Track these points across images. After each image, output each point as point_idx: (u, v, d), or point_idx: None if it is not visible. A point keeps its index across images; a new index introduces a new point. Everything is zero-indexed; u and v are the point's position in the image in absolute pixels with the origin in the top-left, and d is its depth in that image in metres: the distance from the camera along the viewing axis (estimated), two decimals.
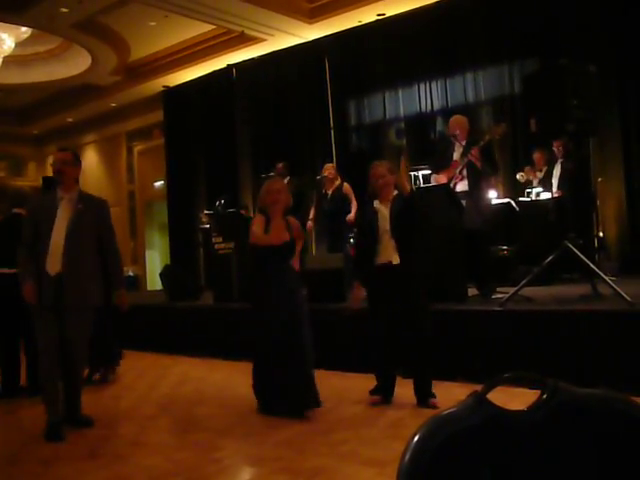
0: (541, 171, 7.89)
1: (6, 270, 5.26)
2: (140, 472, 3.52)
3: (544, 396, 1.01)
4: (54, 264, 4.25)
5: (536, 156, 7.89)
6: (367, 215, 4.80)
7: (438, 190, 6.01)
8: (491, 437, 0.97)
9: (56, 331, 4.26)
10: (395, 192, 4.68)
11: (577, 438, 0.98)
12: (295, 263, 4.73)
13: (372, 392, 4.76)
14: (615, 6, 7.77)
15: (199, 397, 5.36)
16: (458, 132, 6.23)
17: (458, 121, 6.36)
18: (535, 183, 7.86)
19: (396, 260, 4.55)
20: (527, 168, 7.95)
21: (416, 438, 0.96)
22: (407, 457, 0.95)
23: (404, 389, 4.66)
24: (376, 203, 4.72)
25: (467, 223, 5.94)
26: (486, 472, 0.95)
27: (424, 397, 4.52)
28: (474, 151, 5.98)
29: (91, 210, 4.45)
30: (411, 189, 4.74)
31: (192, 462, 3.63)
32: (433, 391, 4.54)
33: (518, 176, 7.97)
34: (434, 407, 4.41)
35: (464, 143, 6.19)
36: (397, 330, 4.65)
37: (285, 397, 4.51)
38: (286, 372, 4.49)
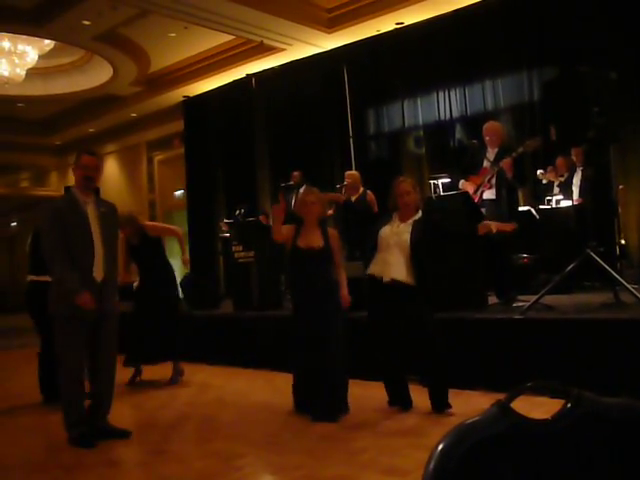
0: (562, 176, 7.84)
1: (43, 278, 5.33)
2: None
3: (568, 405, 1.01)
4: (99, 270, 4.28)
5: (559, 161, 7.85)
6: (380, 223, 4.82)
7: (458, 198, 6.00)
8: (515, 446, 0.97)
9: (84, 340, 4.28)
10: (419, 214, 4.67)
11: (601, 447, 0.98)
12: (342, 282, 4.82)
13: (389, 403, 4.81)
14: (636, 12, 7.71)
15: (220, 405, 5.38)
16: (490, 138, 6.19)
17: (492, 127, 6.33)
18: (555, 186, 7.83)
19: (387, 277, 4.57)
20: (550, 168, 7.89)
21: (440, 447, 0.97)
22: (431, 466, 0.95)
23: (423, 397, 4.65)
24: (395, 216, 4.74)
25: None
26: None
27: (439, 407, 4.52)
28: (507, 162, 5.93)
29: (112, 214, 4.51)
30: (424, 212, 4.75)
31: (213, 470, 3.65)
32: (449, 401, 4.52)
33: (539, 173, 7.91)
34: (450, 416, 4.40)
35: (496, 150, 6.16)
36: (403, 338, 4.67)
37: (317, 400, 4.61)
38: (317, 376, 4.62)
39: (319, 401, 4.61)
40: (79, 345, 4.24)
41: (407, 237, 4.57)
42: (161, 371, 6.45)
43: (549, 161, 7.96)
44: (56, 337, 4.28)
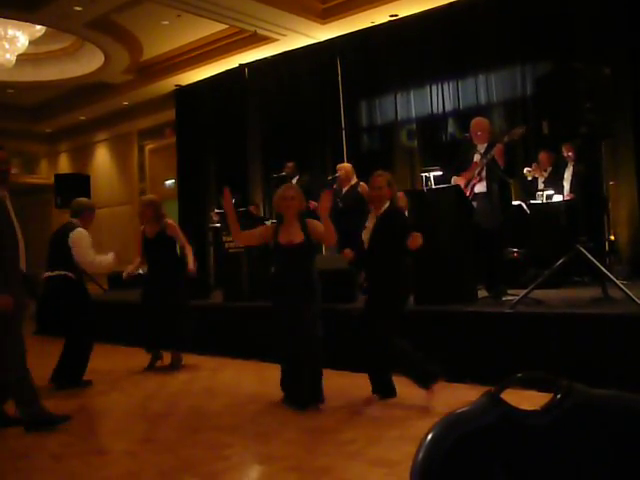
0: (546, 171, 7.90)
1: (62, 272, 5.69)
2: (149, 468, 3.53)
3: (558, 396, 1.01)
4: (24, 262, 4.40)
5: (542, 156, 7.92)
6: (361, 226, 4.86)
7: (449, 191, 6.01)
8: (505, 436, 0.97)
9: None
10: (386, 205, 4.67)
11: (591, 439, 0.98)
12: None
13: (373, 391, 4.87)
14: (631, 8, 7.73)
15: (208, 395, 5.38)
16: (479, 133, 6.22)
17: (480, 123, 6.36)
18: (540, 182, 7.88)
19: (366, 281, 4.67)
20: (534, 165, 7.97)
21: (430, 436, 0.97)
22: (420, 455, 0.95)
23: (410, 389, 4.67)
24: (369, 217, 4.77)
25: (482, 224, 5.94)
26: (499, 471, 0.95)
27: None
28: (499, 148, 5.94)
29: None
30: (393, 205, 4.72)
31: (201, 459, 3.65)
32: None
33: (525, 170, 7.99)
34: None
35: (485, 145, 6.19)
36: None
37: (292, 391, 4.73)
38: (292, 367, 4.73)
39: (300, 388, 4.68)
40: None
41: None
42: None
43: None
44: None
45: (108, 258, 5.87)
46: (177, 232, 6.50)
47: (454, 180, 6.27)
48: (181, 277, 6.53)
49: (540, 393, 1.16)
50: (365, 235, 4.72)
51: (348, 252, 4.91)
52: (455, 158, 6.70)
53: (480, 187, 6.13)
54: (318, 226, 4.78)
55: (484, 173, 6.09)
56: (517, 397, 1.25)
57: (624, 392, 1.05)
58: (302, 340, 4.64)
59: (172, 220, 6.63)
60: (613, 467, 0.98)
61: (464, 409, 1.00)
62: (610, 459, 0.97)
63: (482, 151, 6.18)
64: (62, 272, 5.69)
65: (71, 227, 5.78)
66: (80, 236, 5.71)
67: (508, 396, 1.03)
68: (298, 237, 4.71)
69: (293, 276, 4.71)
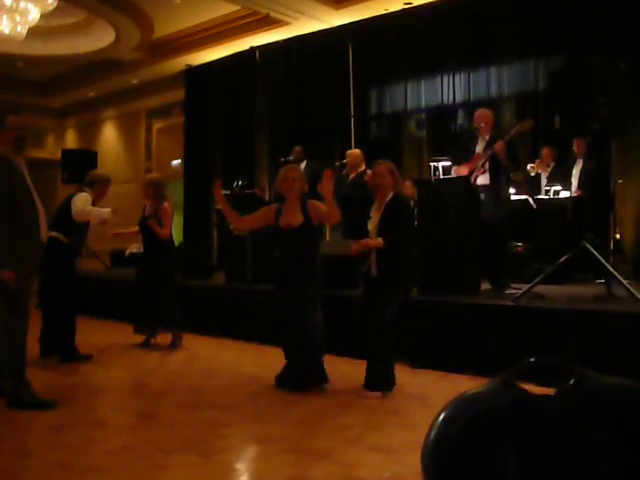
0: (549, 166, 7.88)
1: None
2: (148, 444, 3.55)
3: (571, 382, 1.01)
4: (44, 232, 4.33)
5: (544, 151, 7.91)
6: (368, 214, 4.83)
7: (457, 182, 5.99)
8: (516, 419, 0.97)
9: None
10: (391, 195, 4.63)
11: (602, 425, 0.98)
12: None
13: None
14: None
15: (208, 374, 5.39)
16: (483, 125, 6.21)
17: (484, 114, 6.35)
18: (543, 177, 7.86)
19: (374, 271, 4.61)
20: (537, 161, 7.96)
21: (442, 417, 0.97)
22: (432, 435, 0.95)
23: (410, 378, 4.68)
24: (374, 206, 4.74)
25: (486, 217, 5.92)
26: (510, 453, 0.95)
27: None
28: (499, 145, 5.94)
29: None
30: (398, 194, 4.67)
31: (199, 437, 3.66)
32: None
33: (528, 166, 8.00)
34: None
35: (488, 137, 6.18)
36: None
37: (290, 374, 4.77)
38: (292, 351, 4.76)
39: (301, 369, 4.72)
40: None
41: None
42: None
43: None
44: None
45: (103, 210, 5.85)
46: (165, 215, 6.50)
47: (455, 170, 6.25)
48: (168, 259, 6.57)
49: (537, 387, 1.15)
50: (371, 225, 4.68)
51: (356, 249, 4.76)
52: (457, 148, 6.69)
53: (483, 179, 6.11)
54: (320, 207, 4.78)
55: (487, 165, 6.08)
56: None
57: (635, 381, 1.05)
58: (299, 324, 4.66)
59: (168, 204, 6.59)
60: (623, 453, 0.97)
61: (477, 390, 1.00)
62: (621, 445, 0.97)
63: (485, 142, 6.17)
64: (54, 234, 5.50)
65: (79, 192, 5.78)
66: (81, 196, 5.70)
67: None
68: (297, 219, 4.71)
69: (292, 259, 4.72)
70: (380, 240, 4.51)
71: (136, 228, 6.64)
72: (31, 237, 4.15)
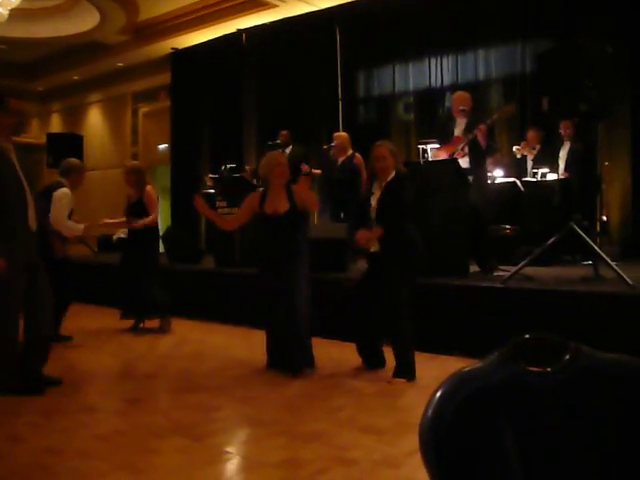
0: (534, 149, 7.91)
1: None
2: (139, 428, 3.55)
3: (567, 357, 1.01)
4: (33, 220, 4.25)
5: (530, 134, 7.93)
6: (365, 195, 4.82)
7: (446, 165, 5.99)
8: (513, 395, 0.98)
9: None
10: (392, 174, 4.61)
11: (598, 401, 0.98)
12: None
13: (364, 363, 4.87)
14: None
15: (197, 359, 5.39)
16: (461, 108, 6.20)
17: (462, 97, 6.35)
18: (529, 160, 7.89)
19: (375, 247, 4.59)
20: (523, 143, 7.98)
21: (439, 393, 0.97)
22: (430, 412, 0.96)
23: None
24: (375, 184, 4.73)
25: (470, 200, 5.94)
26: (508, 429, 0.95)
27: (394, 373, 4.50)
28: (483, 128, 5.94)
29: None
30: (399, 173, 4.64)
31: (190, 421, 3.67)
32: (406, 372, 4.46)
33: (514, 149, 8.02)
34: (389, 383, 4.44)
35: (467, 120, 6.17)
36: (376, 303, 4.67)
37: (280, 357, 4.81)
38: (280, 335, 4.79)
39: (285, 355, 4.75)
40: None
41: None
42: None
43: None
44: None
45: (78, 226, 5.82)
46: (150, 200, 6.47)
47: (433, 153, 6.25)
48: (153, 244, 6.57)
49: None
50: (373, 201, 4.62)
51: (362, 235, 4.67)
52: (434, 130, 6.69)
53: (462, 163, 6.12)
54: (304, 193, 4.84)
55: (467, 149, 6.09)
56: None
57: (631, 356, 1.05)
58: (286, 308, 4.67)
59: (150, 187, 6.57)
60: (619, 429, 0.98)
61: (474, 367, 1.00)
62: (616, 421, 0.98)
63: (463, 126, 6.17)
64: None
65: (57, 186, 5.72)
66: (61, 195, 5.63)
67: None
68: (284, 206, 4.72)
69: (279, 245, 4.73)
70: (379, 230, 4.51)
71: (124, 218, 6.61)
72: (21, 225, 4.11)
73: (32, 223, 4.21)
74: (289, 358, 4.75)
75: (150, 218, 6.39)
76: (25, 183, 4.17)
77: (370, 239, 4.60)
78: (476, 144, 6.02)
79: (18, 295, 4.13)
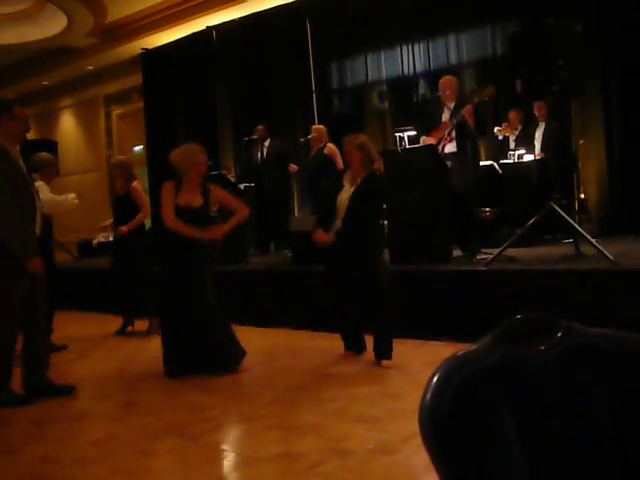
0: (517, 129, 7.95)
1: None
2: (132, 432, 3.54)
3: (559, 335, 1.03)
4: (38, 227, 4.26)
5: (511, 115, 7.96)
6: (335, 187, 4.83)
7: (424, 151, 6.01)
8: (509, 376, 0.99)
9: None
10: (364, 175, 4.61)
11: (594, 375, 1.00)
12: (218, 230, 4.88)
13: (345, 348, 4.91)
14: None
15: None
16: (448, 92, 6.21)
17: (448, 82, 6.34)
18: (512, 140, 7.93)
19: (338, 225, 4.63)
20: (505, 124, 8.01)
21: (436, 378, 0.98)
22: (428, 397, 0.96)
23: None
24: (346, 178, 4.74)
25: (454, 185, 5.96)
26: (505, 410, 0.97)
27: (378, 356, 4.58)
28: (468, 108, 5.94)
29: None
30: (371, 174, 4.65)
31: (184, 421, 3.66)
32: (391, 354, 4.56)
33: (495, 130, 8.05)
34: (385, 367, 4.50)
35: (453, 104, 6.18)
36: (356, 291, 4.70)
37: (206, 360, 4.71)
38: (178, 336, 4.71)
39: (213, 354, 4.71)
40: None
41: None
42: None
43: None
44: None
45: (70, 197, 5.74)
46: (138, 195, 6.42)
47: (423, 140, 6.27)
48: (140, 243, 6.48)
49: None
50: (344, 194, 4.64)
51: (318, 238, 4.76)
52: (423, 117, 6.69)
53: (450, 147, 6.14)
54: (222, 196, 4.94)
55: (454, 133, 6.10)
56: None
57: (620, 330, 1.07)
58: (192, 309, 4.64)
59: (137, 182, 6.50)
60: (613, 405, 1.00)
61: (468, 350, 1.01)
62: (611, 395, 1.00)
63: (450, 110, 6.18)
64: None
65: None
66: (41, 185, 5.40)
67: None
68: (197, 201, 4.73)
69: (185, 241, 4.64)
70: (332, 236, 4.60)
71: (110, 220, 6.54)
72: (31, 228, 4.13)
73: (38, 229, 4.21)
74: (221, 357, 4.71)
75: (137, 218, 6.32)
76: (34, 189, 4.19)
77: (325, 243, 4.65)
78: (463, 126, 6.02)
79: (20, 300, 4.11)
